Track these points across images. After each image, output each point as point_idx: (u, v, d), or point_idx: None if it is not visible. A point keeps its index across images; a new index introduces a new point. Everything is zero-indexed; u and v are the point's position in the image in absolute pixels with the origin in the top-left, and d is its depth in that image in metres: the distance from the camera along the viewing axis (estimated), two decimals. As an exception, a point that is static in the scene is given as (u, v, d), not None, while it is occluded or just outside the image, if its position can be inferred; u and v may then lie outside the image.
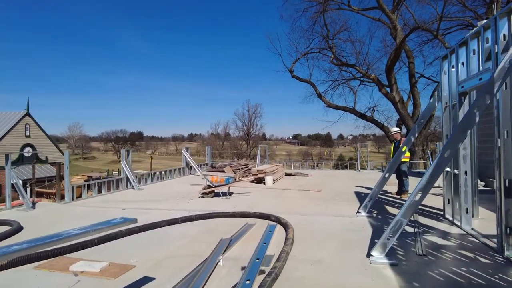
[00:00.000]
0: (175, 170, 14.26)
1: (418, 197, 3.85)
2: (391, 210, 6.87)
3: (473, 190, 5.18)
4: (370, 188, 9.85)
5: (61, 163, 9.05)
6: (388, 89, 21.61)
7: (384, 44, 24.11)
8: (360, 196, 8.58)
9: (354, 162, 21.51)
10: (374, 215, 6.39)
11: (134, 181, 10.75)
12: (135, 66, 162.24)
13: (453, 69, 5.48)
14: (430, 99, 19.76)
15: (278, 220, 5.70)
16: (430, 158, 15.16)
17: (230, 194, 9.00)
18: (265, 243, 4.57)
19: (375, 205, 6.94)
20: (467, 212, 5.09)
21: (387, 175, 6.28)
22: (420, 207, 6.99)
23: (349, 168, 18.52)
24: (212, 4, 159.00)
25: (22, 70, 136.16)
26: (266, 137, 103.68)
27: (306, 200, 8.26)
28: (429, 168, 3.84)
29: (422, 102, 22.36)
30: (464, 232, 4.96)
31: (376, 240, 4.67)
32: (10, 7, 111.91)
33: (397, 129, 8.58)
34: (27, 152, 28.57)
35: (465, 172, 5.13)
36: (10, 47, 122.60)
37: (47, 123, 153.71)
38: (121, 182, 10.83)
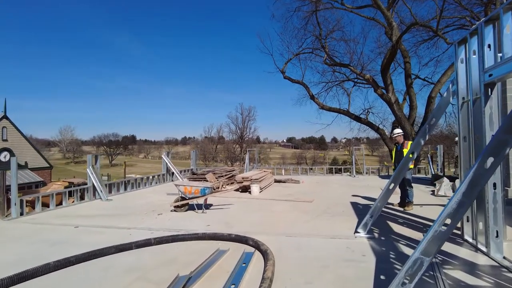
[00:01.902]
0: (153, 176, 12.98)
1: (447, 222, 2.70)
2: (396, 227, 5.72)
3: (503, 207, 4.07)
4: (367, 198, 8.74)
5: (6, 170, 7.71)
6: (383, 90, 20.65)
7: (379, 44, 23.21)
8: (357, 209, 7.43)
9: (349, 166, 20.46)
10: (376, 235, 5.23)
11: (101, 191, 9.47)
12: (128, 69, 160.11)
13: (474, 56, 4.38)
14: (427, 100, 18.90)
15: (257, 246, 4.51)
16: (430, 162, 14.15)
17: (208, 206, 7.79)
18: (234, 284, 3.37)
19: (376, 220, 5.78)
20: (497, 236, 3.96)
21: (391, 186, 5.15)
22: (428, 222, 5.87)
23: (344, 172, 17.41)
24: (206, 6, 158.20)
25: (11, 72, 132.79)
26: (260, 140, 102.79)
27: (295, 213, 7.08)
28: (461, 185, 2.70)
29: (418, 104, 21.49)
30: (496, 263, 3.83)
31: (382, 277, 3.52)
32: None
33: (400, 131, 7.46)
34: (4, 157, 26.90)
35: (494, 185, 4.02)
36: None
37: (38, 126, 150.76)
38: (87, 192, 9.53)
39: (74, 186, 15.79)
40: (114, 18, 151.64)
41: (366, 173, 16.30)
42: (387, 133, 23.75)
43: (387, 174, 15.97)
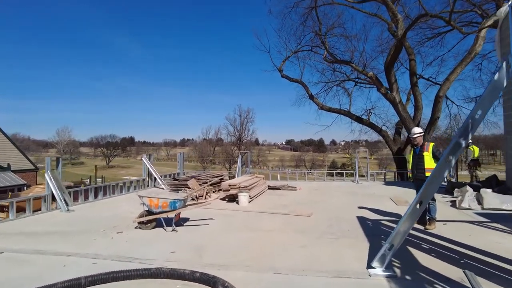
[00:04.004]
0: (131, 182, 11.52)
1: None
2: (422, 257, 4.26)
3: None
4: (377, 211, 7.29)
5: None
6: (388, 91, 19.25)
7: (380, 42, 21.81)
8: (367, 226, 5.98)
9: (349, 170, 19.06)
10: (398, 271, 3.79)
11: (61, 200, 8.00)
12: (127, 70, 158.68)
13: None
14: (435, 99, 17.46)
15: (228, 295, 3.06)
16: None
17: (182, 222, 6.35)
18: None
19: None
20: None
21: (419, 204, 3.71)
22: (463, 249, 4.43)
23: (345, 176, 15.85)
24: (205, 7, 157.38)
25: (9, 72, 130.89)
26: (259, 142, 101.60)
27: (289, 233, 5.62)
28: None
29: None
30: None
31: None
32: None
33: (421, 130, 6.02)
34: (-16, 158, 25.38)
35: None
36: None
37: (36, 127, 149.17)
38: (45, 201, 8.06)
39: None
40: (114, 18, 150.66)
41: (371, 178, 14.81)
42: (390, 135, 22.38)
43: (394, 180, 14.53)
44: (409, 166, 6.22)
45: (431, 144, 5.91)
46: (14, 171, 27.30)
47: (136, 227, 6.07)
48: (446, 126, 25.70)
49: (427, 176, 5.78)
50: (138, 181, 11.85)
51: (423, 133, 6.02)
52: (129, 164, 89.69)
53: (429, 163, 5.80)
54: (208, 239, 5.32)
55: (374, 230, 5.69)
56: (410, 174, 6.28)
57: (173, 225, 5.79)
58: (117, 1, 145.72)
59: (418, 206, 3.70)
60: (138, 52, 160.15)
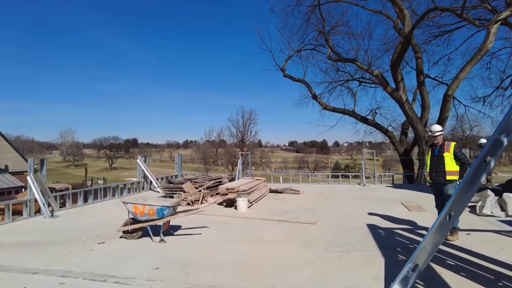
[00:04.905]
0: (125, 185, 10.90)
1: None
2: (449, 277, 3.58)
3: None
4: (389, 219, 6.59)
5: None
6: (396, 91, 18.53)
7: (385, 41, 21.07)
8: (379, 237, 5.30)
9: (353, 171, 18.32)
10: (424, 296, 3.11)
11: (44, 205, 7.38)
12: (129, 72, 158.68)
13: None
14: (443, 99, 16.71)
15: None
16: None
17: (172, 231, 5.71)
18: None
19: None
20: None
21: (450, 214, 3.04)
22: (494, 266, 3.74)
23: (351, 178, 15.10)
24: (207, 7, 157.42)
25: (12, 74, 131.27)
26: (262, 144, 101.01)
27: (292, 246, 4.95)
28: None
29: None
30: None
31: None
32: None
33: (441, 128, 5.34)
34: (-19, 160, 24.96)
35: None
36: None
37: (39, 129, 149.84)
38: (26, 206, 7.45)
39: (55, 192, 13.63)
40: (115, 20, 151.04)
41: (379, 181, 14.06)
42: (396, 136, 21.65)
43: (401, 183, 13.79)
44: (427, 168, 5.54)
45: (452, 143, 5.22)
46: (12, 173, 26.87)
47: (121, 237, 5.44)
48: (452, 127, 24.90)
49: (448, 180, 5.12)
50: (132, 183, 11.23)
51: (443, 131, 5.33)
52: (132, 166, 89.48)
53: (450, 165, 5.12)
54: (198, 252, 4.67)
55: (389, 241, 5.01)
56: (428, 178, 5.57)
57: (161, 234, 5.15)
58: (119, 3, 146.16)
59: (449, 218, 3.03)
60: (139, 54, 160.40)
